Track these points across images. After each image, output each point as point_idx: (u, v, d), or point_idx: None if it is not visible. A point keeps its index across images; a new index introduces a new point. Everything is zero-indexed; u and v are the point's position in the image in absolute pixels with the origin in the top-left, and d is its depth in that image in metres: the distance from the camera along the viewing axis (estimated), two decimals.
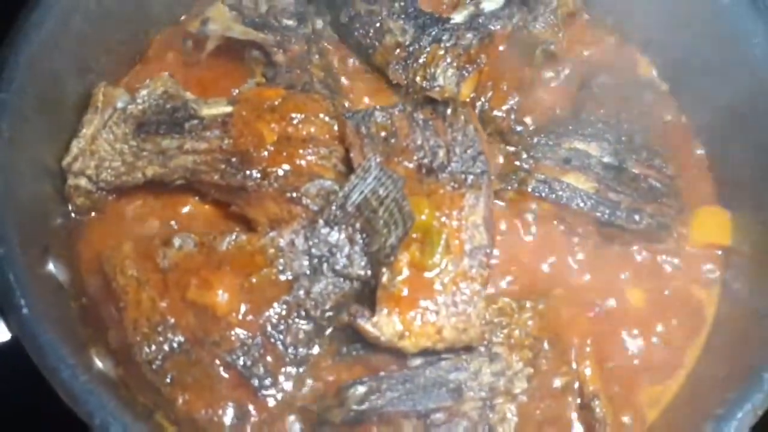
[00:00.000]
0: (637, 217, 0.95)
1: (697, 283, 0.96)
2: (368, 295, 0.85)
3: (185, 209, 0.97)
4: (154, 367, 0.82)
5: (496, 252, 0.95)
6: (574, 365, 0.89)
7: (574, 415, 0.87)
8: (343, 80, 1.10)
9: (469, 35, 1.05)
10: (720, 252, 0.98)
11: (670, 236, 0.99)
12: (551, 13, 1.10)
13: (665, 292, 0.96)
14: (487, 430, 0.82)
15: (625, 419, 0.85)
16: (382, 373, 0.84)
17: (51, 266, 0.86)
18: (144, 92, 0.98)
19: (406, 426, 0.81)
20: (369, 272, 0.86)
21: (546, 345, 0.89)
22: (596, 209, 0.95)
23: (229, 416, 0.81)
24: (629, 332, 0.92)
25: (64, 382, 0.68)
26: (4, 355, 0.70)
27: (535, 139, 1.01)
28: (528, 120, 1.03)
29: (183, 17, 1.12)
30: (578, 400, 0.88)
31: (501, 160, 1.01)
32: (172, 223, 0.97)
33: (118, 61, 1.07)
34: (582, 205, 0.95)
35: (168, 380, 0.81)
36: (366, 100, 1.08)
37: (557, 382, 0.88)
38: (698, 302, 0.95)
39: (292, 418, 0.85)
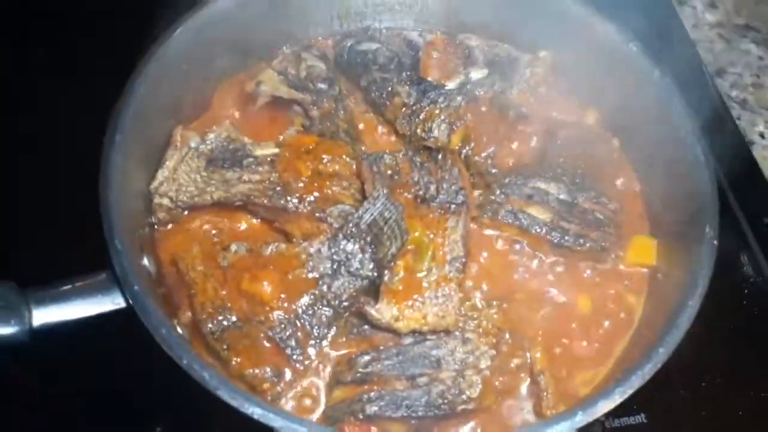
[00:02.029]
0: (581, 241, 1.11)
1: (629, 293, 1.12)
2: (374, 290, 1.00)
3: (240, 224, 1.12)
4: (215, 337, 0.97)
5: (474, 266, 1.11)
6: (527, 351, 1.04)
7: (524, 387, 1.02)
8: (361, 129, 1.24)
9: (459, 98, 1.21)
10: (647, 270, 1.15)
11: (609, 257, 1.13)
12: (525, 82, 1.27)
13: (604, 299, 1.11)
14: (458, 392, 0.96)
15: None
16: (381, 347, 1.00)
17: (145, 261, 1.06)
18: (211, 135, 1.14)
19: (398, 385, 0.96)
20: (375, 273, 1.00)
21: (507, 335, 1.04)
22: (549, 234, 1.10)
23: (268, 375, 0.96)
24: (573, 329, 1.08)
25: (163, 336, 0.88)
26: (122, 317, 0.92)
27: (507, 179, 1.15)
28: (501, 164, 1.18)
29: (240, 75, 1.28)
30: (528, 378, 1.03)
31: (479, 194, 1.15)
32: (231, 233, 1.11)
33: (190, 110, 1.23)
34: (539, 230, 1.11)
35: (225, 347, 0.96)
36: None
37: (514, 362, 1.03)
38: (629, 307, 1.11)
39: (314, 377, 1.00)
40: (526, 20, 1.32)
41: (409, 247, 1.03)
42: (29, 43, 1.52)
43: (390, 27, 1.38)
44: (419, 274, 1.02)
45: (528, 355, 1.05)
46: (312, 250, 1.02)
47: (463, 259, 1.04)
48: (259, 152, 1.13)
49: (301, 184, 1.10)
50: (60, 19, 1.53)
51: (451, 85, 1.25)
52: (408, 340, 1.01)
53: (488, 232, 1.15)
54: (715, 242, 1.04)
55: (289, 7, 1.32)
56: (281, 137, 1.17)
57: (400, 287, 1.01)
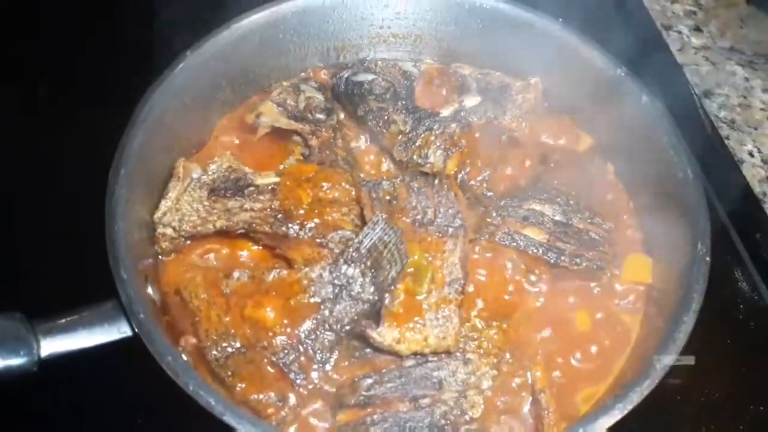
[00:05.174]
0: (578, 261, 1.13)
1: (625, 311, 1.14)
2: (375, 314, 1.02)
3: (242, 251, 1.14)
4: (219, 363, 0.98)
5: (473, 287, 1.11)
6: (528, 371, 1.06)
7: (526, 407, 1.03)
8: (360, 158, 1.26)
9: (454, 125, 1.23)
10: (642, 288, 1.16)
11: (605, 276, 1.14)
12: (517, 108, 1.29)
13: (601, 318, 1.13)
14: (460, 412, 0.97)
15: None
16: (384, 370, 1.01)
17: (150, 290, 1.07)
18: (213, 166, 1.17)
19: (401, 407, 0.97)
20: (376, 297, 1.02)
21: (507, 355, 1.05)
22: (546, 254, 1.12)
23: (273, 399, 0.97)
24: (572, 348, 1.10)
25: (169, 362, 0.89)
26: (131, 345, 0.93)
27: (502, 202, 1.18)
28: (497, 188, 1.20)
29: (240, 108, 1.32)
30: (530, 397, 1.04)
31: (476, 217, 1.16)
32: (233, 261, 1.13)
33: (191, 142, 1.25)
34: (535, 251, 1.13)
35: (229, 373, 0.97)
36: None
37: (515, 382, 1.04)
38: (625, 326, 1.12)
39: (318, 401, 1.01)
40: (516, 48, 1.34)
41: (409, 271, 1.05)
42: (33, 80, 1.55)
43: (385, 58, 1.42)
44: (419, 297, 1.03)
45: (529, 374, 1.07)
46: (313, 275, 1.03)
47: (462, 281, 1.05)
48: (260, 181, 1.15)
49: (302, 211, 1.11)
50: (63, 55, 1.57)
51: (445, 112, 1.28)
52: (410, 363, 1.02)
53: (486, 254, 1.15)
54: (708, 259, 1.06)
55: (287, 41, 1.36)
56: (282, 166, 1.20)
57: (401, 310, 1.02)
